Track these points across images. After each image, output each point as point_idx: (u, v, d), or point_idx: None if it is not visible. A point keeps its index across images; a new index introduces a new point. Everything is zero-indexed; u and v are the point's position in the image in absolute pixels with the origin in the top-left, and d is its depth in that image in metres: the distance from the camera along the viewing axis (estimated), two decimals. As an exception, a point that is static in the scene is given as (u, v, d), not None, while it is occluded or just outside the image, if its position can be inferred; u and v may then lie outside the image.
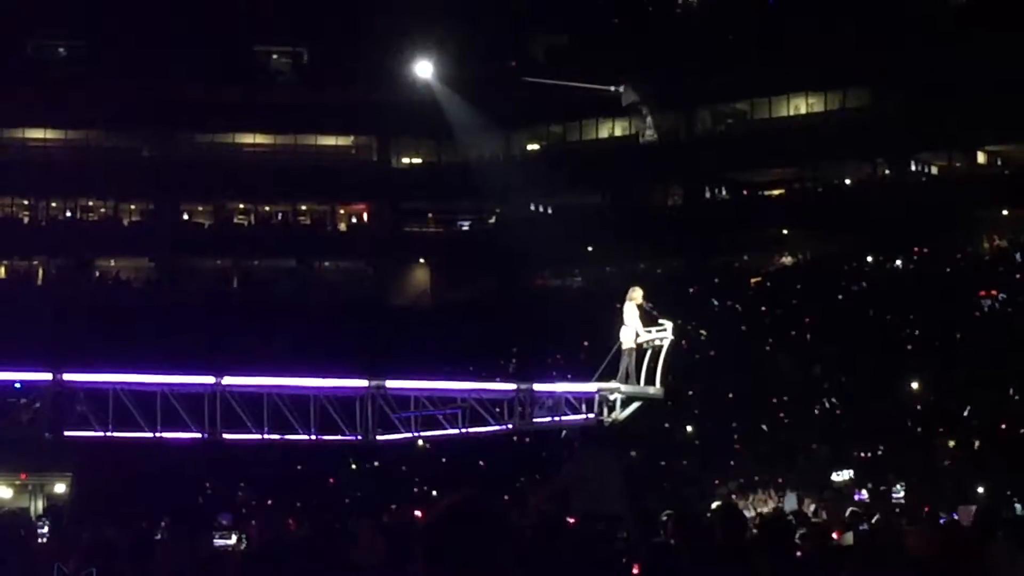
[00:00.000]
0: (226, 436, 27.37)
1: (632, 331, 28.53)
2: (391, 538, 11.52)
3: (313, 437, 27.93)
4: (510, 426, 29.66)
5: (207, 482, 47.72)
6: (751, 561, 10.00)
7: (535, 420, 29.67)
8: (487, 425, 29.45)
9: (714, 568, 10.50)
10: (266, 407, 27.26)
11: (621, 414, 29.36)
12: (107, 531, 19.29)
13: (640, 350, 28.79)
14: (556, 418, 29.84)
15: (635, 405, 29.40)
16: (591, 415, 29.45)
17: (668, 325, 28.77)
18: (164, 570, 11.15)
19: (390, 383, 28.45)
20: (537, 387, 29.97)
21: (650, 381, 28.98)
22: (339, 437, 28.62)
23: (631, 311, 28.55)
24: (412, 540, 10.91)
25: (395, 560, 10.28)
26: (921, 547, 10.28)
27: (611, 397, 29.18)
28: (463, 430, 29.15)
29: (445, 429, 29.42)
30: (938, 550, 9.69)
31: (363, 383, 28.16)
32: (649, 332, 28.73)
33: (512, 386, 29.98)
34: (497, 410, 29.34)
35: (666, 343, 28.77)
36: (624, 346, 28.69)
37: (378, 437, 28.83)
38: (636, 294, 28.59)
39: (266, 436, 27.55)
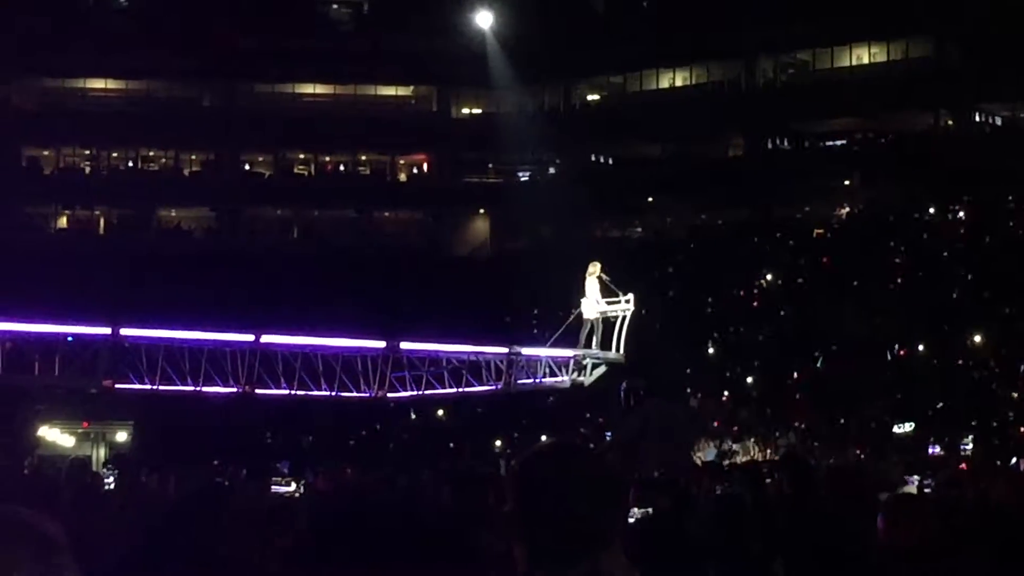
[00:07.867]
0: (258, 392, 29.02)
1: (593, 302, 30.77)
2: (459, 486, 11.55)
3: (333, 394, 29.53)
4: (498, 386, 31.52)
5: (267, 431, 48.03)
6: (821, 512, 9.93)
7: (519, 382, 31.72)
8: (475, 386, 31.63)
9: (782, 517, 10.44)
10: (280, 364, 29.04)
11: (590, 377, 32.04)
12: (171, 479, 19.42)
13: (601, 320, 31.11)
14: (537, 380, 32.08)
15: (602, 369, 31.98)
16: (565, 378, 31.95)
17: (629, 297, 30.98)
18: (233, 516, 11.18)
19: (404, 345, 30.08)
20: (525, 351, 32.08)
21: (607, 346, 31.49)
22: (355, 394, 30.03)
23: (592, 284, 30.78)
24: (494, 485, 10.99)
25: (463, 508, 10.30)
26: (1006, 497, 10.13)
27: (584, 361, 31.70)
28: (460, 390, 31.34)
29: (439, 388, 31.44)
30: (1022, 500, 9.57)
31: (381, 344, 29.67)
32: (609, 303, 31.02)
33: (504, 349, 31.68)
34: (484, 372, 31.40)
35: (628, 314, 31.04)
36: (584, 316, 31.07)
37: (389, 395, 30.42)
38: (595, 268, 30.89)
39: (293, 392, 29.19)
